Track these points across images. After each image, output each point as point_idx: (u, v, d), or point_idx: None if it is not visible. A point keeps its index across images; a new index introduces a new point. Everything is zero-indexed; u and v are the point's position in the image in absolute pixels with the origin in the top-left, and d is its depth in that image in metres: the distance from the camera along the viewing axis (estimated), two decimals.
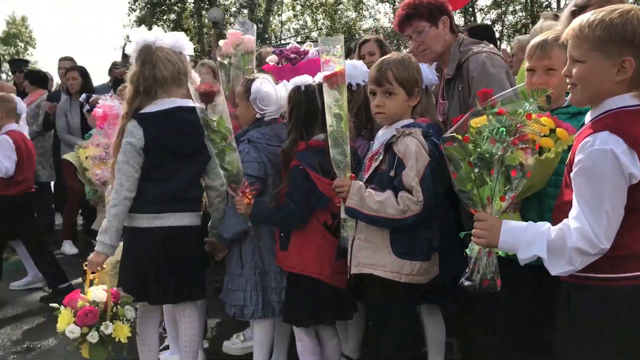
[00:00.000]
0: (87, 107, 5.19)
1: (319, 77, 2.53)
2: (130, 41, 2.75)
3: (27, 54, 42.20)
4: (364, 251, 2.32)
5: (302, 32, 26.59)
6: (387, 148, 2.28)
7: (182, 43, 2.59)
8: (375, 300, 2.37)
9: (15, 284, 4.76)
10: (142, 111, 2.50)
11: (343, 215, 2.33)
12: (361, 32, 24.11)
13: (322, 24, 25.88)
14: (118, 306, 2.43)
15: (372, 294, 2.38)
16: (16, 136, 4.28)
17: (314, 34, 26.26)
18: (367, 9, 25.14)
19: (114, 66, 7.16)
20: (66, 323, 2.35)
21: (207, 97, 2.47)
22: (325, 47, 2.31)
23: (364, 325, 3.18)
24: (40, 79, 7.44)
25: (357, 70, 2.90)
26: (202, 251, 2.78)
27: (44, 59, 54.29)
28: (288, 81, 2.91)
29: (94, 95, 5.20)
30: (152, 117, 2.49)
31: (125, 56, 5.62)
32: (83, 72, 6.15)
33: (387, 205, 2.19)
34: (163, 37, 2.54)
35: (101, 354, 2.39)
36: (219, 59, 3.36)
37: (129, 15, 23.70)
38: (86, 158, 4.23)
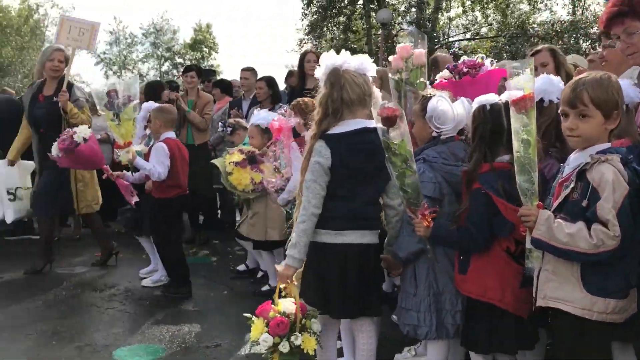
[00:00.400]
0: (228, 130, 5.55)
1: (505, 97, 2.45)
2: (305, 43, 2.90)
3: (211, 59, 46.25)
4: (550, 284, 2.19)
5: (472, 29, 25.74)
6: (579, 175, 2.12)
7: (367, 65, 2.67)
8: (564, 337, 2.24)
9: (145, 281, 5.11)
10: (330, 132, 2.61)
11: (528, 245, 2.22)
12: (535, 26, 22.73)
13: (493, 19, 24.78)
14: (305, 319, 2.59)
15: (560, 330, 2.24)
16: (171, 143, 4.62)
17: (484, 30, 25.29)
18: (543, 1, 23.51)
19: (290, 75, 7.56)
20: (259, 332, 2.54)
21: (389, 121, 2.50)
22: (515, 70, 2.23)
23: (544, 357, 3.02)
24: (225, 87, 8.13)
25: (554, 86, 2.75)
26: (379, 268, 2.84)
27: (224, 63, 58.66)
28: (466, 96, 2.86)
29: (230, 120, 5.60)
30: (339, 138, 2.60)
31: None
32: (270, 82, 6.45)
33: (579, 238, 2.04)
34: (350, 60, 2.63)
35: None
36: (390, 74, 3.39)
37: (302, 20, 24.91)
38: (230, 163, 4.63)
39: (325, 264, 2.66)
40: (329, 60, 2.65)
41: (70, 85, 5.38)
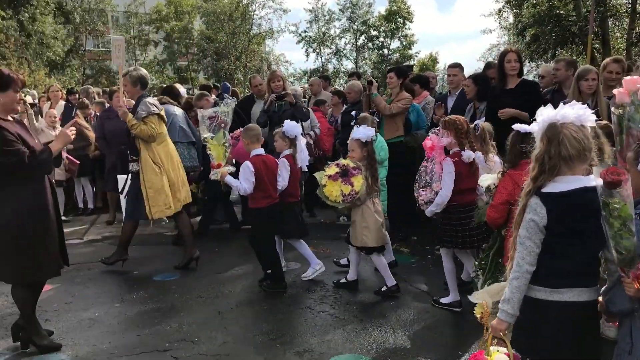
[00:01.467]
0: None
1: None
2: None
3: (405, 28, 46.17)
4: None
5: None
6: None
7: (586, 116, 2.53)
8: None
9: (304, 275, 5.62)
10: (545, 190, 2.56)
11: None
12: None
13: None
14: None
15: None
16: (257, 161, 5.17)
17: None
18: None
19: (488, 67, 7.34)
20: None
21: (613, 185, 2.38)
22: None
23: None
24: (424, 82, 8.18)
25: None
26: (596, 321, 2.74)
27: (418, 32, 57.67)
28: None
29: None
30: (555, 197, 2.54)
31: None
32: (477, 79, 6.32)
33: None
34: (567, 112, 2.53)
35: None
36: (612, 109, 3.15)
37: None
38: (325, 176, 5.06)
39: (539, 320, 2.64)
40: (546, 114, 2.58)
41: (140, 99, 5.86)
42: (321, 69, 46.29)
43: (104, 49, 43.61)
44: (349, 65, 47.34)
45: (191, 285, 5.53)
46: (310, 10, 45.80)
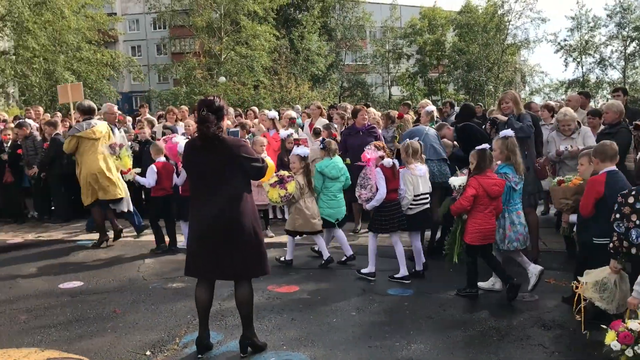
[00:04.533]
0: None
1: None
2: None
3: None
4: None
5: None
6: None
7: None
8: None
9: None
10: None
11: None
12: None
13: None
14: None
15: None
16: (158, 165, 7.87)
17: None
18: None
19: None
20: (611, 340, 3.63)
21: None
22: None
23: None
24: None
25: None
26: None
27: None
28: None
29: None
30: None
31: None
32: None
33: None
34: None
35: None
36: None
37: None
38: (267, 184, 6.96)
39: None
40: None
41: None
42: (581, 80, 42.74)
43: (360, 63, 46.42)
44: (614, 75, 42.85)
45: (423, 304, 5.65)
46: (572, 18, 42.71)
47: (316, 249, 7.38)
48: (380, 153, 6.42)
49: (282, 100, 31.58)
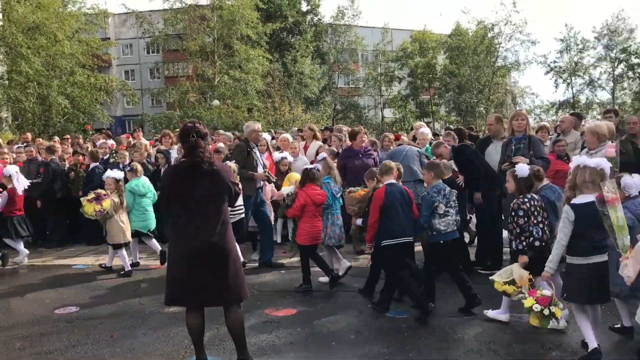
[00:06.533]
0: None
1: None
2: None
3: None
4: None
5: None
6: None
7: None
8: None
9: None
10: None
11: None
12: None
13: None
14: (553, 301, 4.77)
15: None
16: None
17: None
18: None
19: None
20: (531, 303, 4.77)
21: None
22: None
23: None
24: None
25: None
26: None
27: None
28: None
29: None
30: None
31: None
32: None
33: None
34: None
35: (545, 323, 4.81)
36: None
37: None
38: (84, 199, 8.15)
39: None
40: None
41: None
42: (571, 100, 43.21)
43: (353, 86, 46.77)
44: (604, 96, 43.36)
45: (421, 326, 5.63)
46: (561, 40, 43.32)
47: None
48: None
49: (275, 122, 31.72)
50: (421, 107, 46.16)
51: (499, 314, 5.66)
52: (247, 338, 4.64)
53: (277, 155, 9.08)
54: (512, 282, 5.17)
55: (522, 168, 5.56)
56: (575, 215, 4.55)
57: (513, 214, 5.43)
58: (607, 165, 4.61)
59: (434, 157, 7.66)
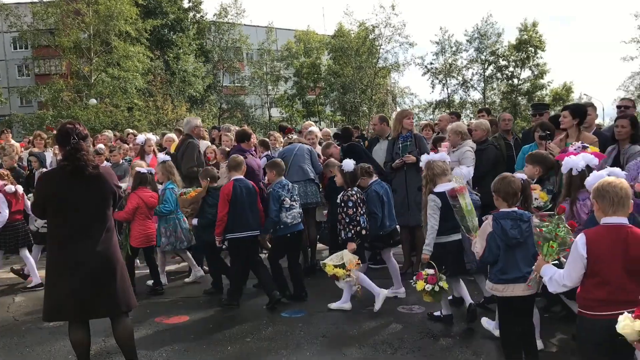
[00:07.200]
0: None
1: None
2: None
3: (537, 57, 44.43)
4: None
5: None
6: None
7: None
8: None
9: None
10: None
11: None
12: None
13: None
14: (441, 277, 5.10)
15: None
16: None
17: None
18: None
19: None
20: (422, 286, 5.07)
21: None
22: None
23: None
24: None
25: None
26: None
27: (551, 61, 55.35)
28: None
29: None
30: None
31: None
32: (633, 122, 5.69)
33: None
34: None
35: (438, 298, 5.12)
36: None
37: None
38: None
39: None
40: None
41: None
42: (447, 100, 45.73)
43: (238, 84, 46.33)
44: (476, 95, 46.37)
45: (317, 324, 5.66)
46: (436, 42, 45.69)
47: None
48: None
49: (158, 122, 30.65)
50: (307, 106, 46.70)
51: (342, 303, 6.05)
52: (137, 349, 4.41)
53: (161, 156, 8.71)
54: (342, 266, 5.65)
55: (348, 163, 6.04)
56: (440, 201, 5.20)
57: (342, 205, 5.88)
58: (448, 158, 5.45)
59: (324, 157, 7.74)
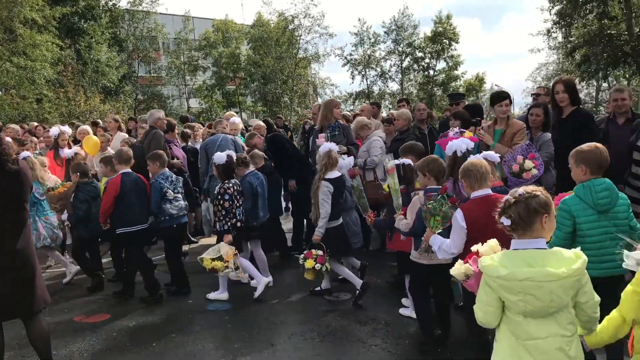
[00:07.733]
0: None
1: None
2: None
3: (451, 49, 46.00)
4: None
5: None
6: None
7: None
8: None
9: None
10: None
11: None
12: None
13: None
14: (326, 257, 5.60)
15: None
16: None
17: None
18: None
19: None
20: (311, 264, 5.50)
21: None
22: None
23: None
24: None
25: None
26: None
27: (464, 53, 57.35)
28: None
29: None
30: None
31: None
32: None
33: None
34: None
35: (320, 276, 5.85)
36: None
37: (549, 9, 23.29)
38: None
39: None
40: None
41: None
42: (367, 91, 46.46)
43: (155, 75, 45.00)
44: (394, 86, 47.38)
45: (244, 315, 5.62)
46: (355, 34, 46.20)
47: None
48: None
49: (70, 114, 29.22)
50: (227, 97, 46.05)
51: (219, 294, 6.17)
52: (56, 349, 4.21)
53: (67, 151, 8.28)
54: (220, 259, 5.75)
55: (220, 156, 6.12)
56: (332, 187, 5.66)
57: (219, 197, 5.98)
58: (335, 147, 5.92)
59: (248, 148, 7.66)
